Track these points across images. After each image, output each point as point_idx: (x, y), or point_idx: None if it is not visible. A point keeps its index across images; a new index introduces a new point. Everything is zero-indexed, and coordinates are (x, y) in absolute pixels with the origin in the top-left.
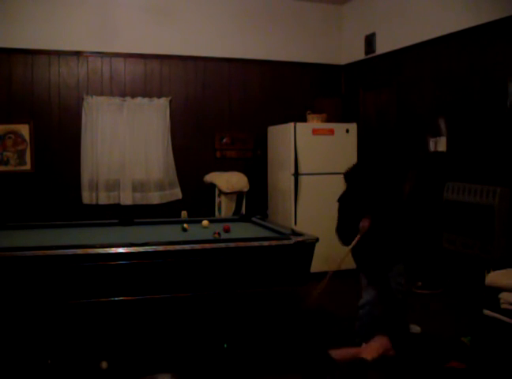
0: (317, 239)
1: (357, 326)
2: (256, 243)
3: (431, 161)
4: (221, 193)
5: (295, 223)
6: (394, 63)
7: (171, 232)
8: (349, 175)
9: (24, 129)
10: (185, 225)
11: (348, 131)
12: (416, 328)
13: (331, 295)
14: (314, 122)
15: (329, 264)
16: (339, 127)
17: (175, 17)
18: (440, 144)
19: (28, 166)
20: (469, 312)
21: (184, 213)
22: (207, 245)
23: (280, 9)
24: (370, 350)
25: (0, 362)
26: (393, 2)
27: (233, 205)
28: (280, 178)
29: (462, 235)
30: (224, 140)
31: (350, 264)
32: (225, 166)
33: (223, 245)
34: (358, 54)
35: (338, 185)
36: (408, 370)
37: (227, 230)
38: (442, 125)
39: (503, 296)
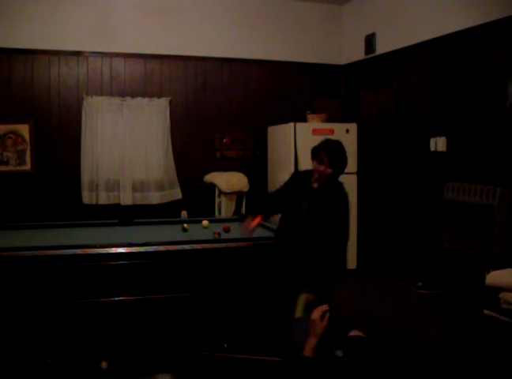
0: None
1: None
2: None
3: (430, 161)
4: (221, 193)
5: None
6: (394, 63)
7: (171, 232)
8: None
9: (24, 129)
10: (185, 225)
11: (348, 131)
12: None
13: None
14: (314, 122)
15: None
16: (339, 127)
17: (175, 17)
18: (440, 144)
19: (28, 166)
20: (469, 312)
21: (184, 213)
22: (207, 245)
23: (280, 9)
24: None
25: (0, 362)
26: (393, 2)
27: (233, 205)
28: (280, 178)
29: (462, 235)
30: (224, 140)
31: (350, 264)
32: (225, 166)
33: (223, 245)
34: (358, 54)
35: None
36: None
37: (227, 230)
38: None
39: (503, 296)
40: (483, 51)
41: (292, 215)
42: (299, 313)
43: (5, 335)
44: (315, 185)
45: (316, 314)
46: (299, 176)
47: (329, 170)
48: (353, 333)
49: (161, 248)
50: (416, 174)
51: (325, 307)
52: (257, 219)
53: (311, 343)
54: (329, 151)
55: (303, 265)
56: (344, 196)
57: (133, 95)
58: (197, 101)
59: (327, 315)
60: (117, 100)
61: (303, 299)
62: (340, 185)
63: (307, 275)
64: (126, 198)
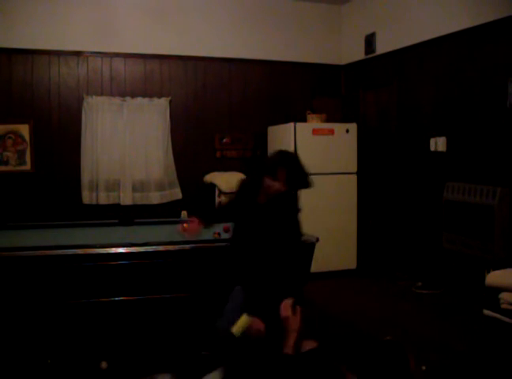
0: (317, 239)
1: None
2: None
3: (430, 161)
4: (221, 193)
5: None
6: (394, 63)
7: (171, 232)
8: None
9: (24, 129)
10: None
11: (348, 131)
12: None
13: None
14: (314, 122)
15: (329, 264)
16: (339, 127)
17: (175, 17)
18: (440, 144)
19: (28, 167)
20: (469, 312)
21: (184, 213)
22: (207, 245)
23: (279, 9)
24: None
25: (0, 362)
26: (393, 2)
27: None
28: None
29: (462, 235)
30: (224, 140)
31: (350, 264)
32: (225, 166)
33: (223, 245)
34: (358, 54)
35: (338, 186)
36: None
37: (227, 230)
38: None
39: (503, 296)
40: (483, 51)
41: (241, 235)
42: (236, 329)
43: (5, 335)
44: (262, 201)
45: (286, 311)
46: (246, 186)
47: (283, 189)
48: (306, 346)
49: (161, 248)
50: (415, 174)
51: (290, 300)
52: (195, 225)
53: (290, 339)
54: (288, 170)
55: (254, 287)
56: (294, 213)
57: (133, 95)
58: (197, 101)
59: (297, 308)
60: (117, 100)
61: (244, 321)
62: (293, 197)
63: (259, 297)
64: (126, 198)
